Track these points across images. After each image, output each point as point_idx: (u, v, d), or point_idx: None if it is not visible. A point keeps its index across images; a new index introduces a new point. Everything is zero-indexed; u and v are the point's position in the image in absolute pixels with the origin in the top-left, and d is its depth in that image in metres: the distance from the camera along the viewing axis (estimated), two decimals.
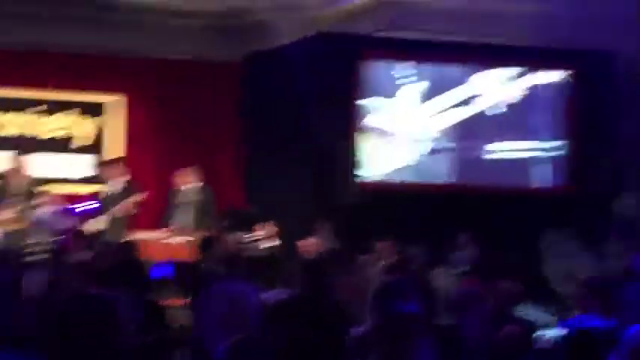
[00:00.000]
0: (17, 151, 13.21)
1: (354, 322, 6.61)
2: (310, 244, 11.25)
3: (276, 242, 12.78)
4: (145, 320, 6.54)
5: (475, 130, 15.23)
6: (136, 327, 6.05)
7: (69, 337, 3.60)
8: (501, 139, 15.30)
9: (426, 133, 14.96)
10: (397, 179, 14.96)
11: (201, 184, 13.29)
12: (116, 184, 13.14)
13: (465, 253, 12.47)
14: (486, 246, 12.53)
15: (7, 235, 12.43)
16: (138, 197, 12.96)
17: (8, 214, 12.46)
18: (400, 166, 14.94)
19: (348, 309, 6.82)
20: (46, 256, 11.47)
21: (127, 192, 13.01)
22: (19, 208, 12.47)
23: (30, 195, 12.61)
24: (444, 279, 7.98)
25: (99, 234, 12.02)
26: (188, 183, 13.16)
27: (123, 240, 11.24)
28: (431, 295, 6.37)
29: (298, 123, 14.39)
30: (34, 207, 12.63)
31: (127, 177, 13.24)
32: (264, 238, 12.82)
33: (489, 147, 15.23)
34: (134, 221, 13.06)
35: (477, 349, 5.59)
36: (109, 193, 13.15)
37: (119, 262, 7.64)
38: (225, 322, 4.48)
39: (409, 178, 14.99)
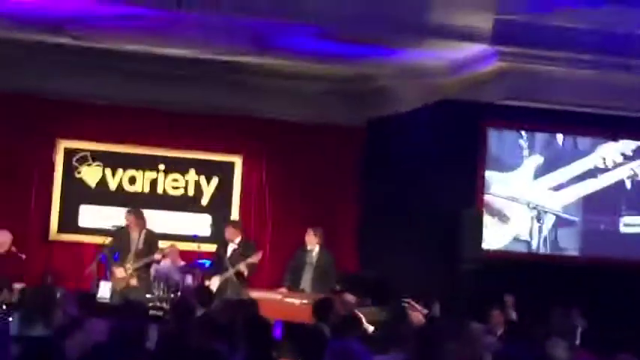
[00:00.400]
0: (136, 207, 13.35)
1: None
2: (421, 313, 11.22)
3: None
4: None
5: (601, 203, 15.10)
6: None
7: None
8: (627, 212, 15.10)
9: (551, 205, 14.87)
10: (520, 249, 14.94)
11: (322, 246, 13.31)
12: (232, 244, 13.19)
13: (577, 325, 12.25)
14: (602, 320, 12.37)
15: (125, 290, 12.55)
16: (254, 258, 13.00)
17: (127, 269, 12.62)
18: (523, 237, 14.91)
19: None
20: (167, 309, 11.75)
21: (242, 252, 13.04)
22: (137, 263, 12.65)
23: (149, 250, 12.73)
24: (559, 350, 7.86)
25: (217, 292, 12.06)
26: (311, 244, 13.18)
27: (245, 297, 11.35)
28: None
29: (420, 189, 14.46)
30: (153, 262, 12.82)
31: (242, 237, 13.22)
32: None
33: (615, 220, 15.06)
34: (250, 281, 13.14)
35: None
36: (225, 253, 13.25)
37: (243, 319, 7.75)
38: None
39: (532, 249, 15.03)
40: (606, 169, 15.09)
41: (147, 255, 12.69)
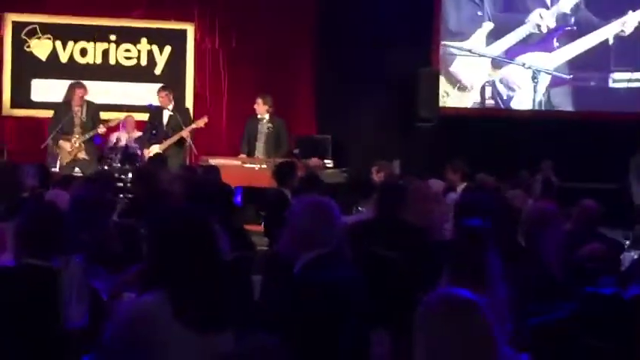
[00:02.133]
0: (85, 79, 13.18)
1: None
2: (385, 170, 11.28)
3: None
4: (230, 241, 6.73)
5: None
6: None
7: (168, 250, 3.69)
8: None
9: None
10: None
11: (272, 113, 13.27)
12: (167, 111, 13.01)
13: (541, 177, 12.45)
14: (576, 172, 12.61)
15: (72, 163, 12.53)
16: (200, 123, 12.92)
17: (73, 143, 12.55)
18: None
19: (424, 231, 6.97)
20: (128, 180, 11.74)
21: (179, 118, 12.91)
22: (83, 136, 12.54)
23: (92, 122, 12.61)
24: (521, 201, 7.97)
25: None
26: (260, 113, 13.13)
27: (207, 164, 11.36)
28: (507, 214, 6.40)
29: (377, 51, 14.46)
30: (97, 134, 12.71)
31: (174, 103, 13.08)
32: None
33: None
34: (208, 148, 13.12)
35: (554, 267, 5.63)
36: (161, 121, 13.10)
37: (209, 185, 7.76)
38: (308, 236, 4.55)
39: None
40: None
41: (91, 127, 12.55)
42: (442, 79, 15.03)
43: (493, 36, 15.13)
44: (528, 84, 15.15)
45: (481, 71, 15.22)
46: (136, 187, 7.79)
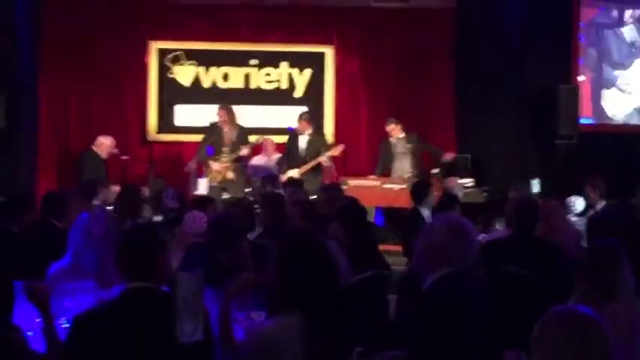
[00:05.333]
0: (230, 103, 13.43)
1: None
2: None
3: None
4: (364, 259, 6.80)
5: None
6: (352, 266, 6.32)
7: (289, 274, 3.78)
8: None
9: None
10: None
11: (412, 132, 13.36)
12: (304, 136, 13.23)
13: None
14: None
15: (222, 183, 12.83)
16: (337, 151, 13.10)
17: (222, 163, 12.85)
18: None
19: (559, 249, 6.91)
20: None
21: (317, 144, 13.12)
22: (231, 156, 12.83)
23: (241, 144, 12.86)
24: None
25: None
26: (399, 132, 13.22)
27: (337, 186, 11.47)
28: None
29: (515, 67, 14.37)
30: (244, 156, 12.97)
31: (313, 129, 13.29)
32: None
33: None
34: (333, 174, 13.24)
35: None
36: (297, 146, 13.28)
37: (341, 205, 7.85)
38: (440, 253, 4.57)
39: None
40: None
41: (239, 148, 12.83)
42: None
43: None
44: None
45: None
46: (263, 211, 7.95)
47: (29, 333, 4.23)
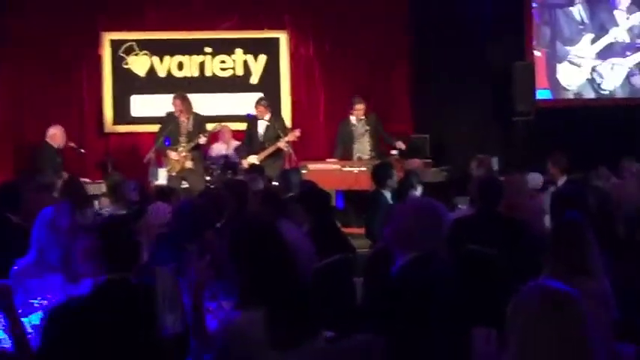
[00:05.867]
0: (186, 92, 13.35)
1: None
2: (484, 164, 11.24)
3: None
4: (328, 244, 6.79)
5: None
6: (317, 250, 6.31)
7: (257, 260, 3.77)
8: None
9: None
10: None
11: (371, 113, 13.33)
12: (263, 121, 13.21)
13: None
14: None
15: (181, 173, 12.76)
16: (295, 135, 13.06)
17: (180, 152, 12.75)
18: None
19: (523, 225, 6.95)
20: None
21: (277, 128, 13.08)
22: (189, 145, 12.73)
23: (198, 133, 12.77)
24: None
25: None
26: (358, 113, 13.19)
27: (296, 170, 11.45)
28: (607, 207, 6.33)
29: (471, 47, 14.43)
30: (202, 144, 12.88)
31: (271, 114, 13.27)
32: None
33: None
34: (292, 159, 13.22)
35: None
36: (256, 131, 13.27)
37: (304, 190, 7.83)
38: (410, 237, 4.56)
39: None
40: None
41: (196, 137, 12.76)
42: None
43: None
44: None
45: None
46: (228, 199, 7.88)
47: None
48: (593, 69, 14.87)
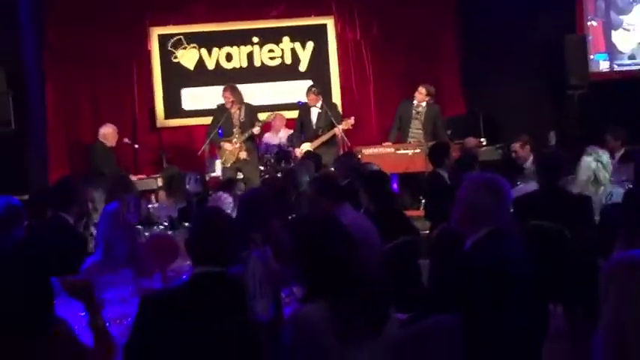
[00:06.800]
0: (235, 83, 13.32)
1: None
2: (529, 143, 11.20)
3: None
4: (391, 226, 6.76)
5: None
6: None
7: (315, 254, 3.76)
8: None
9: None
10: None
11: (435, 104, 13.23)
12: (315, 108, 13.17)
13: None
14: None
15: (236, 164, 12.74)
16: (348, 124, 13.00)
17: (234, 143, 12.73)
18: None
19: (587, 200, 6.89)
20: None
21: (330, 115, 13.00)
22: (243, 136, 12.69)
23: (250, 123, 12.72)
24: None
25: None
26: (420, 100, 13.08)
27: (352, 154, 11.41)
28: None
29: (521, 22, 14.33)
30: (255, 134, 12.85)
31: (322, 101, 13.18)
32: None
33: None
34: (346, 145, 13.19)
35: None
36: (310, 119, 13.23)
37: (364, 173, 7.81)
38: (480, 212, 4.53)
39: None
40: None
41: (249, 128, 12.76)
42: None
43: None
44: None
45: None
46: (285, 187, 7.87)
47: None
48: None
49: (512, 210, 5.25)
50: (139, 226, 6.38)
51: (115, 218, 5.45)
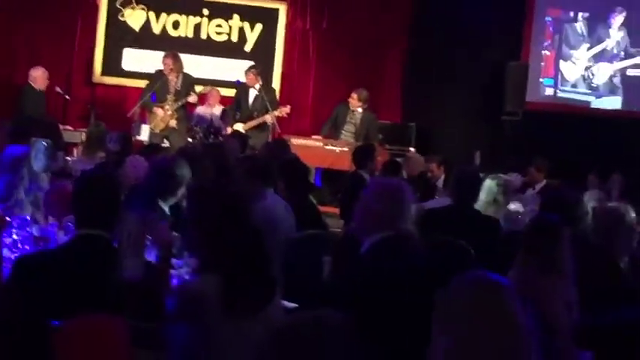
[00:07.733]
0: (177, 51, 13.20)
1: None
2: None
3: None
4: (301, 218, 6.77)
5: None
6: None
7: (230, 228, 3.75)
8: None
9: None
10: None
11: (370, 113, 13.23)
12: (253, 90, 13.11)
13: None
14: None
15: (164, 131, 12.66)
16: (284, 112, 12.98)
17: (166, 110, 12.64)
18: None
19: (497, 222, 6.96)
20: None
21: (266, 99, 12.94)
22: (176, 104, 12.62)
23: (186, 93, 12.68)
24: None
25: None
26: (355, 106, 13.06)
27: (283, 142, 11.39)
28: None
29: (467, 43, 14.42)
30: (188, 103, 12.80)
31: (261, 83, 13.13)
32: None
33: None
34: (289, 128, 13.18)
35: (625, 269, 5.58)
36: (247, 100, 13.18)
37: (282, 161, 7.79)
38: (377, 217, 4.54)
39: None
40: None
41: (184, 97, 12.68)
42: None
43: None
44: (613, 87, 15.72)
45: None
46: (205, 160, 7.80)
47: None
48: (586, 68, 15.58)
49: (420, 221, 5.28)
50: (49, 174, 6.34)
51: (20, 162, 5.37)
